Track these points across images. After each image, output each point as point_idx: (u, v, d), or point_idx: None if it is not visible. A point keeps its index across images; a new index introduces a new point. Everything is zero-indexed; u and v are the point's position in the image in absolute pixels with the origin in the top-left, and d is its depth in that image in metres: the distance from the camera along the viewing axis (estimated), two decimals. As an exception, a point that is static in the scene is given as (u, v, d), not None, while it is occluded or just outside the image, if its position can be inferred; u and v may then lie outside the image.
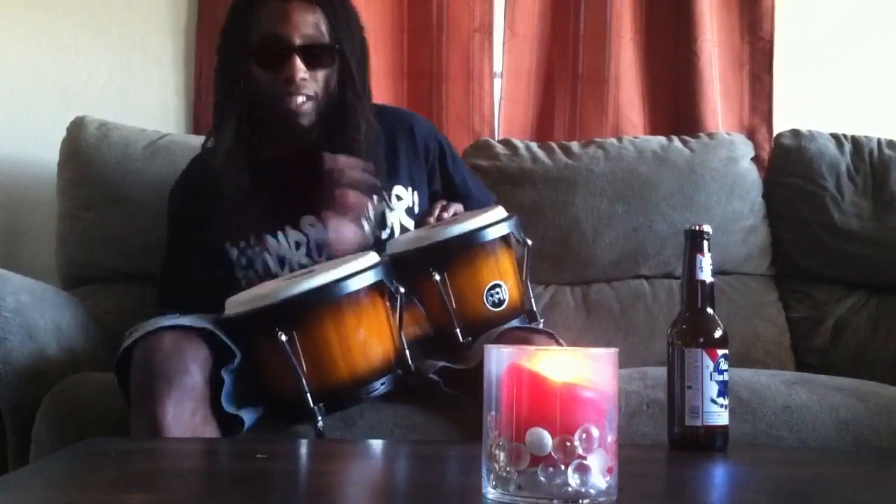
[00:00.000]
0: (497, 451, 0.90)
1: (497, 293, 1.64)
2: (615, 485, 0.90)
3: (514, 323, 1.67)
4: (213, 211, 1.76)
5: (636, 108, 2.56)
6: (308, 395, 1.46)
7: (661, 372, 1.45)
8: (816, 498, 1.08)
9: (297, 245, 1.77)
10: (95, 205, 2.24)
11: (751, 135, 2.53)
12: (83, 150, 2.28)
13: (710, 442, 1.30)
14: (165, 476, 1.12)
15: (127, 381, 1.50)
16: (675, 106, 2.56)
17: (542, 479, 0.87)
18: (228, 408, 1.48)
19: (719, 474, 1.25)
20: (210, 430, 1.47)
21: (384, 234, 1.78)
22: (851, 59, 2.61)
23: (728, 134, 2.46)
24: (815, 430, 1.65)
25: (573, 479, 0.87)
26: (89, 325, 1.94)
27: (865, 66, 2.61)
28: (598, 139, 2.43)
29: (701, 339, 1.31)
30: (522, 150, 2.36)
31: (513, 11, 2.54)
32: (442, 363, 1.60)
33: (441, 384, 1.58)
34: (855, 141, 2.39)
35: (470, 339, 1.61)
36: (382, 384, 1.52)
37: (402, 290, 1.52)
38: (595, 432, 0.88)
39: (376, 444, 1.47)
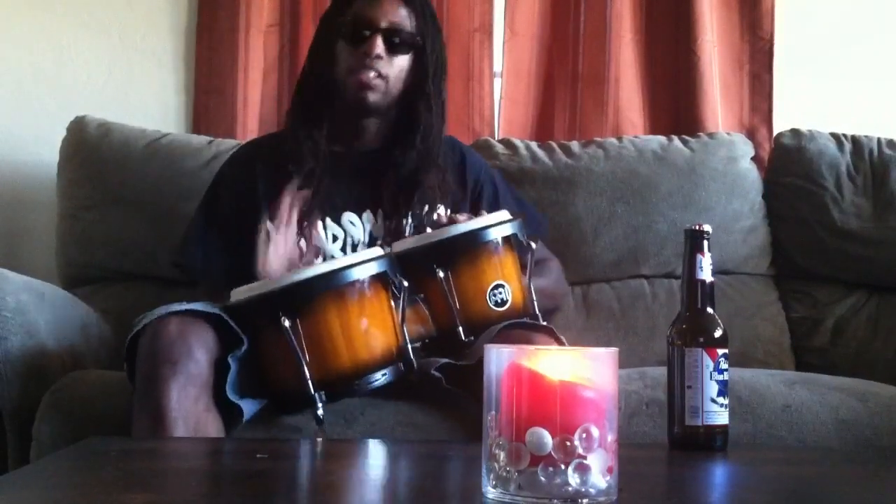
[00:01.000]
0: (497, 451, 0.90)
1: (500, 293, 1.64)
2: (615, 484, 0.90)
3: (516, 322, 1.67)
4: (263, 191, 1.80)
5: (636, 107, 2.56)
6: (309, 381, 1.47)
7: (661, 372, 1.45)
8: (816, 498, 1.08)
9: (335, 238, 1.82)
10: (96, 204, 2.24)
11: (751, 134, 2.53)
12: (83, 149, 2.28)
13: (710, 442, 1.30)
14: (166, 476, 1.13)
15: (134, 369, 1.50)
16: (675, 105, 2.56)
17: (542, 478, 0.87)
18: (232, 396, 1.49)
19: (719, 474, 1.25)
20: (212, 418, 1.48)
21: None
22: (851, 59, 2.62)
23: (728, 134, 2.46)
24: (815, 430, 1.65)
25: (573, 479, 0.87)
26: (89, 324, 1.94)
27: (865, 66, 2.61)
28: (598, 139, 2.43)
29: (701, 339, 1.31)
30: (522, 150, 2.36)
31: (513, 11, 2.55)
32: (444, 360, 1.61)
33: (442, 381, 1.58)
34: (855, 141, 2.39)
35: (472, 337, 1.61)
36: (384, 375, 1.53)
37: (405, 283, 1.53)
38: (595, 432, 0.88)
39: (377, 444, 1.48)
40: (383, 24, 1.80)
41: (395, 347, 1.54)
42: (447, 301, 1.61)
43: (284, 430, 1.55)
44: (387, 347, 1.54)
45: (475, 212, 1.87)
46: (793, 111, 2.56)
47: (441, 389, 1.58)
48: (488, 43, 2.54)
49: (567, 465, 0.87)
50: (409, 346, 1.55)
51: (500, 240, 1.66)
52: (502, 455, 0.89)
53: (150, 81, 2.54)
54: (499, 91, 2.55)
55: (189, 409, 1.43)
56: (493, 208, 1.89)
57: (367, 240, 1.82)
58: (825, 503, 1.06)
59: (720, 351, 1.31)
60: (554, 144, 2.40)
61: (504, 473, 0.89)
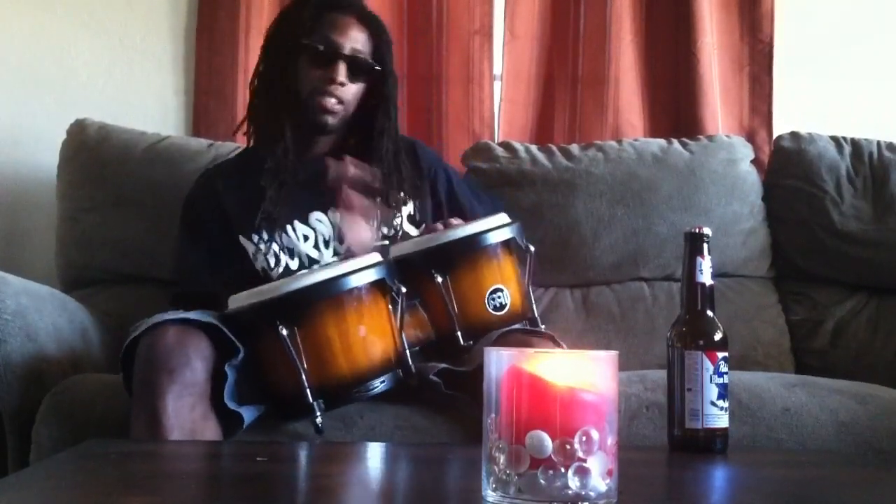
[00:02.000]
0: (497, 454, 0.90)
1: (498, 297, 1.64)
2: (615, 487, 0.90)
3: (516, 327, 1.67)
4: (230, 207, 1.87)
5: (636, 109, 2.56)
6: (307, 389, 1.46)
7: (661, 374, 1.45)
8: (816, 500, 1.08)
9: (305, 238, 1.85)
10: (95, 207, 2.24)
11: (750, 137, 2.53)
12: (83, 152, 2.28)
13: (710, 444, 1.30)
14: (165, 478, 1.13)
15: (131, 376, 1.50)
16: (675, 108, 2.56)
17: (542, 481, 0.87)
18: (230, 404, 1.49)
19: (719, 477, 1.25)
20: (210, 426, 1.48)
21: (387, 241, 1.81)
22: (851, 61, 2.62)
23: (728, 136, 2.46)
24: (814, 433, 1.65)
25: (573, 482, 0.87)
26: (89, 327, 1.94)
27: (865, 68, 2.61)
28: (598, 141, 2.43)
29: (701, 342, 1.31)
30: (522, 153, 2.36)
31: (512, 13, 2.55)
32: (443, 365, 1.61)
33: (442, 386, 1.58)
34: (854, 143, 2.39)
35: (471, 342, 1.61)
36: (382, 382, 1.53)
37: (403, 289, 1.53)
38: (595, 435, 0.88)
39: (376, 447, 1.47)
40: (346, 52, 1.86)
41: (394, 354, 1.54)
42: (446, 305, 1.61)
43: (284, 437, 1.55)
44: (385, 354, 1.53)
45: (434, 194, 1.97)
46: (792, 113, 2.56)
47: (440, 393, 1.58)
48: (488, 45, 2.54)
49: (567, 468, 0.87)
50: (408, 353, 1.55)
51: (498, 244, 1.66)
52: (502, 458, 0.89)
53: (150, 83, 2.54)
54: (498, 93, 2.55)
55: (186, 417, 1.44)
56: (449, 196, 1.98)
57: (335, 234, 1.86)
58: (825, 506, 1.06)
59: (720, 354, 1.31)
60: (554, 147, 2.40)
61: (504, 476, 0.89)
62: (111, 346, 1.94)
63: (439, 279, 1.60)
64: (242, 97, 2.46)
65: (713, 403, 1.29)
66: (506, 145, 2.40)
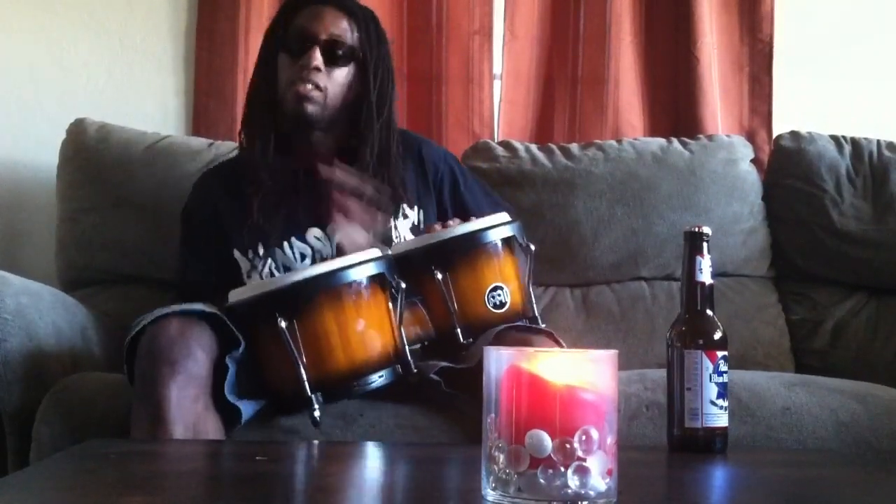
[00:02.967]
0: (497, 453, 0.90)
1: (498, 295, 1.64)
2: (614, 487, 0.90)
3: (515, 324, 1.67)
4: (226, 217, 1.84)
5: (636, 109, 2.56)
6: (306, 382, 1.46)
7: (661, 374, 1.45)
8: (816, 500, 1.08)
9: (303, 256, 1.82)
10: (95, 207, 2.24)
11: (750, 137, 2.53)
12: (83, 152, 2.28)
13: (710, 444, 1.30)
14: (165, 478, 1.13)
15: (134, 370, 1.50)
16: (675, 107, 2.56)
17: (542, 481, 0.87)
18: (230, 397, 1.49)
19: (719, 476, 1.25)
20: (211, 418, 1.48)
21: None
22: (851, 60, 2.62)
23: (727, 136, 2.46)
24: (814, 432, 1.65)
25: (573, 481, 0.87)
26: (89, 327, 1.94)
27: (865, 68, 2.61)
28: (598, 141, 2.43)
29: (700, 341, 1.31)
30: (522, 153, 2.36)
31: (512, 13, 2.55)
32: (443, 363, 1.61)
33: (442, 384, 1.58)
34: (854, 143, 2.39)
35: (471, 339, 1.61)
36: (381, 377, 1.53)
37: (402, 285, 1.53)
38: (595, 434, 0.88)
39: (376, 446, 1.48)
40: (322, 37, 1.82)
41: (393, 349, 1.54)
42: (445, 303, 1.61)
43: (282, 432, 1.55)
44: (384, 349, 1.53)
45: (440, 197, 1.92)
46: (792, 113, 2.56)
47: (440, 392, 1.58)
48: (488, 45, 2.54)
49: (566, 467, 0.87)
50: (407, 348, 1.55)
51: (499, 241, 1.67)
52: (502, 457, 0.89)
53: (150, 83, 2.54)
54: (498, 93, 2.55)
55: (188, 408, 1.44)
56: (454, 196, 1.94)
57: (334, 253, 1.81)
58: (825, 505, 1.06)
59: (720, 353, 1.31)
60: (553, 147, 2.40)
61: (503, 476, 0.89)
62: (111, 345, 1.94)
63: (439, 276, 1.60)
64: (242, 97, 2.43)
65: (713, 403, 1.29)
66: (506, 145, 2.40)
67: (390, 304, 1.55)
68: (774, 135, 2.50)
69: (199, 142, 2.33)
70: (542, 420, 0.88)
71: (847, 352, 2.26)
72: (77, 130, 2.31)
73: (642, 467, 1.22)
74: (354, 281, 1.51)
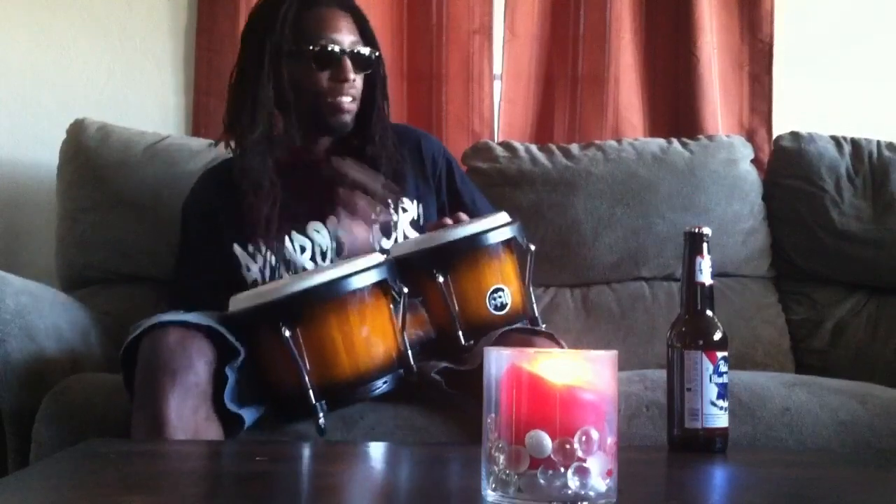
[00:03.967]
0: (497, 454, 0.90)
1: (499, 297, 1.64)
2: (615, 487, 0.90)
3: (516, 326, 1.67)
4: (225, 213, 1.83)
5: (636, 109, 2.56)
6: (310, 391, 1.46)
7: (661, 374, 1.45)
8: (816, 500, 1.08)
9: (303, 249, 1.82)
10: (95, 206, 2.24)
11: (750, 137, 2.53)
12: (83, 151, 2.28)
13: (710, 444, 1.30)
14: (165, 478, 1.13)
15: (131, 377, 1.50)
16: (675, 107, 2.56)
17: (542, 481, 0.87)
18: (231, 406, 1.49)
19: (719, 476, 1.25)
20: (212, 428, 1.48)
21: (388, 244, 1.81)
22: (851, 60, 2.62)
23: (727, 136, 2.46)
24: (814, 432, 1.65)
25: (573, 482, 0.87)
26: (89, 327, 1.94)
27: (865, 68, 2.61)
28: (598, 141, 2.43)
29: (700, 342, 1.31)
30: (522, 152, 2.36)
31: (512, 13, 2.55)
32: (444, 364, 1.61)
33: (443, 384, 1.58)
34: (854, 143, 2.39)
35: (472, 341, 1.61)
36: (385, 383, 1.53)
37: (405, 290, 1.53)
38: (595, 434, 0.88)
39: (376, 447, 1.47)
40: (347, 46, 1.82)
41: (396, 354, 1.54)
42: (447, 305, 1.61)
43: (285, 437, 1.55)
44: (387, 354, 1.53)
45: (438, 191, 1.93)
46: (792, 113, 2.56)
47: (441, 392, 1.58)
48: (488, 44, 2.54)
49: (567, 467, 0.87)
50: (410, 352, 1.55)
51: (499, 243, 1.66)
52: (502, 458, 0.89)
53: (150, 83, 2.54)
54: (498, 93, 2.55)
55: (188, 419, 1.43)
56: (451, 190, 1.94)
57: (334, 245, 1.82)
58: (825, 506, 1.06)
59: (720, 353, 1.31)
60: (553, 147, 2.40)
61: (503, 476, 0.89)
62: (111, 345, 1.94)
63: (440, 279, 1.60)
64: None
65: (713, 403, 1.29)
66: (506, 145, 2.40)
67: (392, 309, 1.55)
68: (774, 135, 2.50)
69: (199, 142, 2.33)
70: (542, 420, 0.88)
71: (847, 352, 2.26)
72: (77, 130, 2.31)
73: (642, 467, 1.22)
74: (357, 289, 1.51)
